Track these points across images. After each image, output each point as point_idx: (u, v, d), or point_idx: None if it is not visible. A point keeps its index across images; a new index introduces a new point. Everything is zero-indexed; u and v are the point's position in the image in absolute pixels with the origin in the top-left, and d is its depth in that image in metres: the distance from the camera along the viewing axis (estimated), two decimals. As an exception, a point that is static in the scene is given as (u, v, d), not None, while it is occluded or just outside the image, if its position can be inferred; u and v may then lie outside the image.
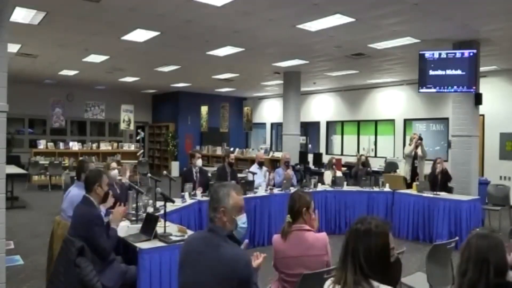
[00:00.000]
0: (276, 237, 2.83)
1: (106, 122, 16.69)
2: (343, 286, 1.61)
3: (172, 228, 3.73)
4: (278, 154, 11.88)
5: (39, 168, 11.87)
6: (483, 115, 9.78)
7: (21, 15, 6.27)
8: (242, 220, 2.12)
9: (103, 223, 3.30)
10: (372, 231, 1.63)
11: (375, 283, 1.56)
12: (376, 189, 7.38)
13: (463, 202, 6.40)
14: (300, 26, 6.59)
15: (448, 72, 7.15)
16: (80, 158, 9.86)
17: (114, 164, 5.19)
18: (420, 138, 8.14)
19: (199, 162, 6.64)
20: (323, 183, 7.72)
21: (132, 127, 14.75)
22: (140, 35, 7.45)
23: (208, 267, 1.96)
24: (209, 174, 8.35)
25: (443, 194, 6.76)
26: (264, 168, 7.76)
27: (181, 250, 2.20)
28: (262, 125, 17.69)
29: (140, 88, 15.85)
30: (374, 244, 1.60)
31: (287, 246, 2.72)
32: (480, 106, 7.68)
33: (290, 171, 7.53)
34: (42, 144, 12.88)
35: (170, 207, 4.53)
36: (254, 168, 7.60)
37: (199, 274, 1.99)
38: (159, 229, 3.53)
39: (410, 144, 8.34)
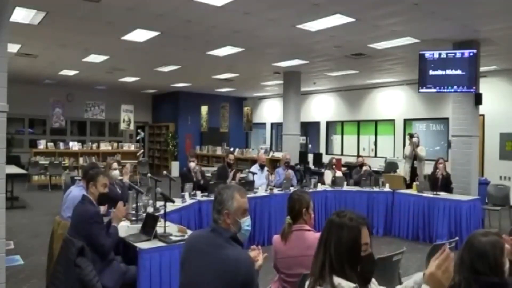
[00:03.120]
0: (276, 238, 2.82)
1: (106, 122, 16.69)
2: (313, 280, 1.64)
3: (172, 228, 3.74)
4: (278, 154, 11.87)
5: (39, 168, 11.87)
6: (483, 115, 9.77)
7: (21, 15, 6.27)
8: (246, 222, 2.11)
9: (102, 221, 3.31)
10: (345, 224, 1.65)
11: (336, 280, 1.56)
12: (376, 189, 7.37)
13: (463, 202, 6.40)
14: (300, 26, 6.59)
15: (448, 72, 7.15)
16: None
17: (115, 165, 5.20)
18: (411, 136, 8.11)
19: (191, 165, 6.85)
20: (323, 183, 7.72)
21: (132, 127, 14.73)
22: (140, 35, 7.45)
23: (211, 268, 1.96)
24: (209, 174, 8.42)
25: (443, 194, 6.76)
26: (265, 169, 7.75)
27: (183, 249, 2.20)
28: (262, 125, 17.68)
29: (140, 88, 15.85)
30: (345, 237, 1.62)
31: (287, 246, 2.72)
32: (480, 106, 7.68)
33: (290, 171, 7.53)
34: (42, 144, 12.85)
35: (170, 207, 4.54)
36: (255, 168, 7.60)
37: (201, 274, 1.98)
38: (159, 229, 3.53)
39: (409, 145, 8.34)
